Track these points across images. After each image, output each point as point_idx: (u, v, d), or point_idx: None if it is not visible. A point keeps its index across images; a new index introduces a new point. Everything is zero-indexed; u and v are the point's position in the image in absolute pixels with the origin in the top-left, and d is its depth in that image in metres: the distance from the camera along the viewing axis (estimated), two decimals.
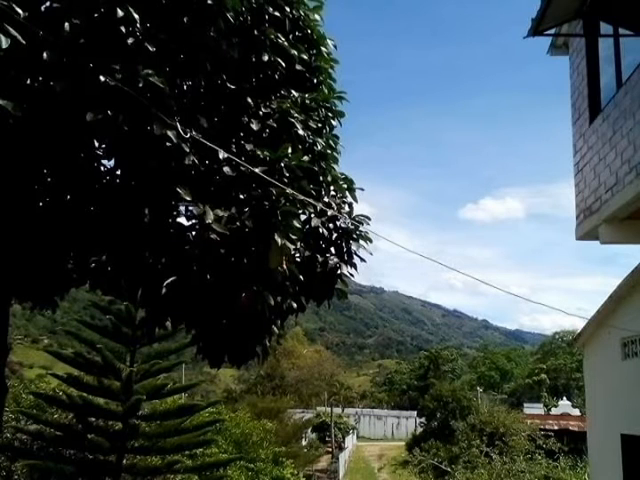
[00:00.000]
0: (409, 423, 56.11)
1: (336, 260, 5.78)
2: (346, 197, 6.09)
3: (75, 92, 3.99)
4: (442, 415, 33.45)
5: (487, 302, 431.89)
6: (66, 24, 3.94)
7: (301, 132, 5.36)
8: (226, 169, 4.84)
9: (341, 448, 40.43)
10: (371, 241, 5.88)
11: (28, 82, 4.01)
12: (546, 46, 8.37)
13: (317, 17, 5.91)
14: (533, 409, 40.09)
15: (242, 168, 4.79)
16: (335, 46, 6.16)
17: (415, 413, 52.94)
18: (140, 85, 4.14)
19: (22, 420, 10.95)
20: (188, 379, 32.44)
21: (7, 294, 5.57)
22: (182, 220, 4.93)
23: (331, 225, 5.76)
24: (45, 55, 3.83)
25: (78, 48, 4.00)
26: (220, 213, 4.62)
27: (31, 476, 9.92)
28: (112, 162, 4.76)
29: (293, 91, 5.68)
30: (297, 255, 5.46)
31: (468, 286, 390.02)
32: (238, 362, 5.57)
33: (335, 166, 5.94)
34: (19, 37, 3.61)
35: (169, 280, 4.56)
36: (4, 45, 3.50)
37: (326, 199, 5.79)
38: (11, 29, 3.56)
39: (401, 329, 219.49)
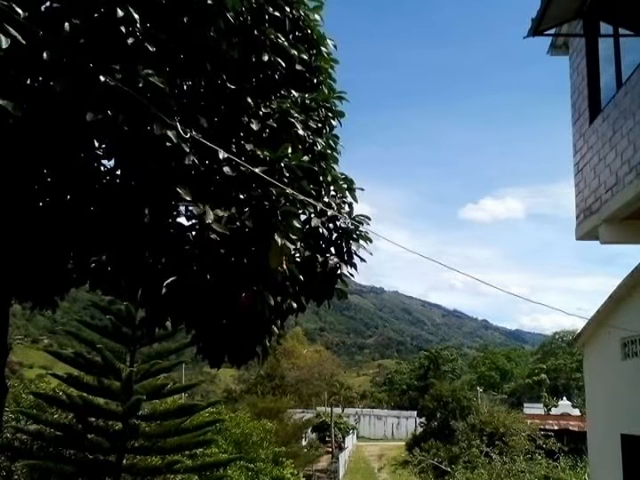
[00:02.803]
0: (409, 423, 56.10)
1: (336, 260, 5.78)
2: (346, 197, 6.09)
3: (75, 92, 3.99)
4: (442, 415, 33.47)
5: (487, 302, 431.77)
6: (66, 24, 3.95)
7: (301, 132, 5.37)
8: (226, 169, 4.84)
9: (341, 448, 40.43)
10: (371, 241, 5.89)
11: (28, 82, 4.02)
12: (546, 46, 8.37)
13: (317, 17, 5.92)
14: (533, 409, 40.10)
15: (242, 168, 4.79)
16: (335, 46, 6.17)
17: (415, 413, 52.93)
18: (140, 85, 4.14)
19: (22, 420, 10.93)
20: (188, 379, 32.45)
21: (7, 294, 5.57)
22: (182, 220, 4.95)
23: (331, 225, 5.76)
24: (45, 55, 3.83)
25: (78, 48, 4.01)
26: (220, 213, 4.62)
27: (31, 476, 9.91)
28: (112, 162, 4.77)
29: (293, 91, 5.68)
30: (297, 255, 5.46)
31: (468, 286, 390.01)
32: (238, 362, 5.57)
33: (335, 166, 5.95)
34: (19, 37, 3.61)
35: (169, 280, 4.57)
36: (4, 45, 3.50)
37: (326, 199, 5.79)
38: (11, 29, 3.57)
39: (401, 329, 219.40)
